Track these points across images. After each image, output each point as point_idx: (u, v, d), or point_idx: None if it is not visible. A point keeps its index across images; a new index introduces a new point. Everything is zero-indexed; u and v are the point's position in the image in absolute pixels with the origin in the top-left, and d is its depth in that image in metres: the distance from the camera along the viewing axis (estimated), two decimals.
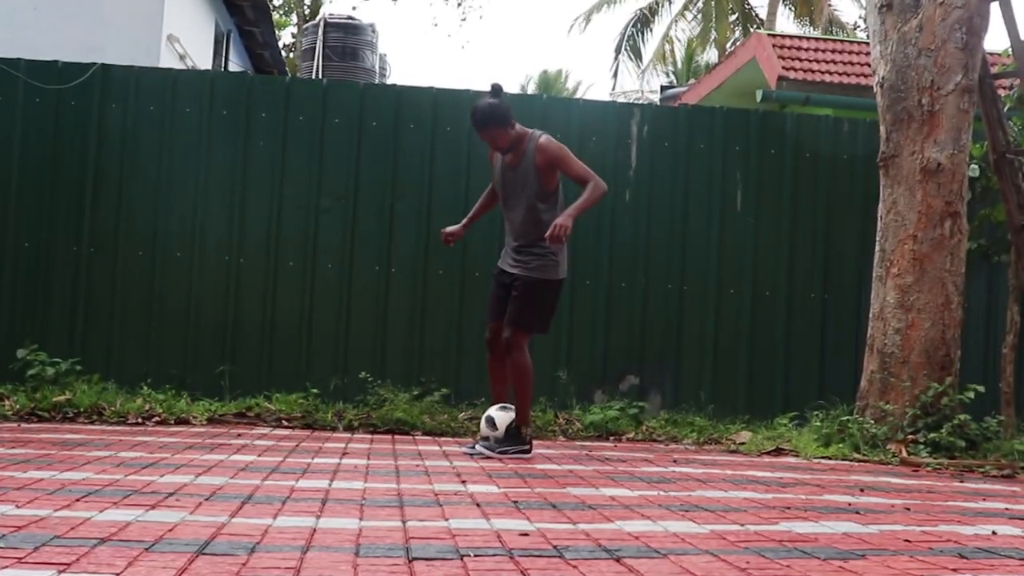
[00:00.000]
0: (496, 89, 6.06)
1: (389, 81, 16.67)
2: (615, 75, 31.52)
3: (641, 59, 31.04)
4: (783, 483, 5.25)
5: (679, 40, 31.76)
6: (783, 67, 13.53)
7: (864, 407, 7.25)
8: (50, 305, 7.99)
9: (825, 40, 15.26)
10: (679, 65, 33.47)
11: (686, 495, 4.58)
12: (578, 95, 39.80)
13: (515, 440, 6.01)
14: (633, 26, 30.70)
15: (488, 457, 5.86)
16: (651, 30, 30.79)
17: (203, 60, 15.24)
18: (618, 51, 31.01)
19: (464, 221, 6.48)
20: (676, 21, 30.73)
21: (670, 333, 8.39)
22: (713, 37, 29.50)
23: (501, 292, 6.15)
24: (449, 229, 6.42)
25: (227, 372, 7.98)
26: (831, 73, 13.67)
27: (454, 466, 5.39)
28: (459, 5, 28.80)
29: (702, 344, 8.40)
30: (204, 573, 2.62)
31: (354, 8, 33.03)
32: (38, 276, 8.01)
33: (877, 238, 7.46)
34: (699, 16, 29.86)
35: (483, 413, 6.31)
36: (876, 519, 4.05)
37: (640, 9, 30.66)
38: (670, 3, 30.54)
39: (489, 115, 5.93)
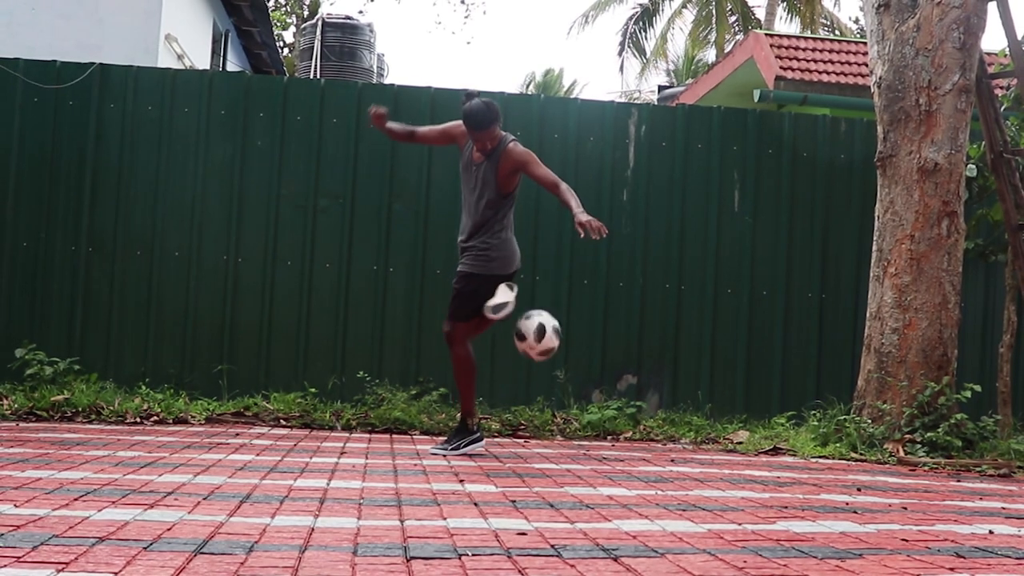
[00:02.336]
0: (472, 94, 6.07)
1: (387, 81, 16.69)
2: (621, 68, 31.52)
3: (645, 56, 31.04)
4: (780, 482, 5.26)
5: (679, 36, 31.77)
6: (781, 67, 13.53)
7: (861, 407, 7.26)
8: (48, 305, 7.99)
9: (823, 40, 15.25)
10: (680, 63, 33.47)
11: (684, 494, 4.58)
12: (575, 94, 39.80)
13: (464, 434, 6.07)
14: (635, 23, 30.68)
15: (444, 456, 5.88)
16: (653, 26, 30.78)
17: (201, 60, 15.25)
18: (622, 49, 31.00)
19: (393, 125, 6.39)
20: (673, 20, 30.72)
21: (668, 333, 8.39)
22: (713, 38, 29.52)
23: None
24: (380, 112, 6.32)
25: (225, 371, 7.99)
26: (829, 73, 13.67)
27: (452, 465, 5.39)
28: (463, 1, 28.57)
29: (700, 344, 8.41)
30: (202, 572, 2.63)
31: (360, 12, 33.03)
32: (36, 276, 8.01)
33: (874, 238, 7.46)
34: (701, 14, 29.87)
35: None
36: (873, 518, 4.06)
37: (640, 4, 30.63)
38: (670, 1, 30.54)
39: (490, 114, 5.94)
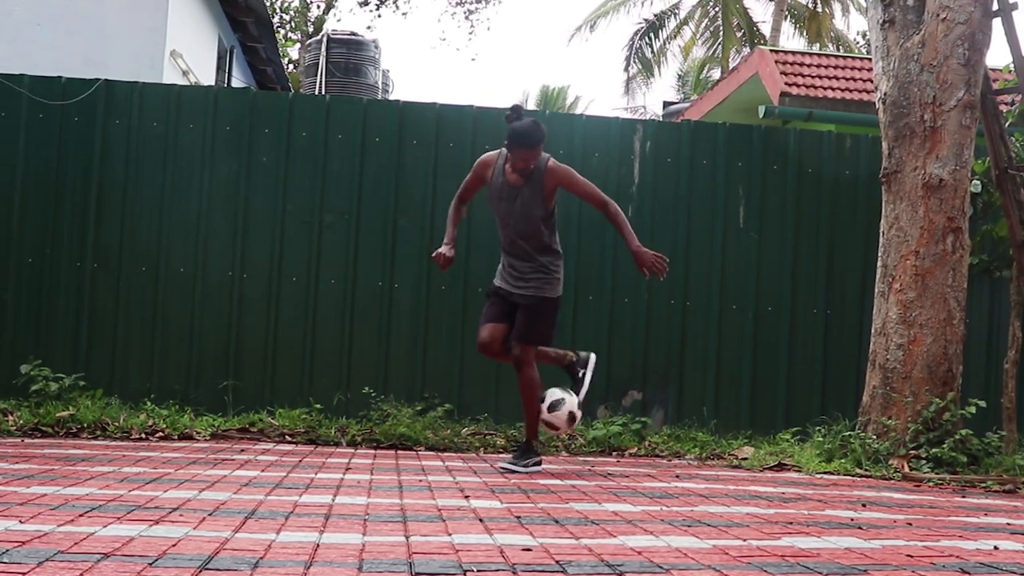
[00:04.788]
0: (518, 109, 6.11)
1: (392, 97, 16.75)
2: (627, 85, 31.56)
3: (651, 72, 31.12)
4: (785, 498, 5.25)
5: (682, 54, 31.89)
6: (786, 83, 13.58)
7: (866, 422, 7.26)
8: (54, 321, 8.01)
9: (827, 56, 15.30)
10: (689, 77, 33.55)
11: (689, 510, 4.58)
12: (579, 110, 39.92)
13: (530, 454, 6.14)
14: (641, 38, 30.77)
15: (515, 472, 5.95)
16: (659, 40, 30.88)
17: (206, 76, 15.30)
18: (628, 64, 31.09)
19: (448, 242, 6.28)
20: (674, 36, 30.82)
21: (673, 349, 8.39)
22: (719, 54, 29.61)
23: (496, 302, 6.22)
24: (443, 252, 6.24)
25: (230, 387, 7.99)
26: (834, 89, 13.71)
27: (457, 481, 5.39)
28: (467, 17, 28.49)
29: (705, 360, 8.40)
30: None
31: (368, 28, 33.16)
32: (42, 292, 8.03)
33: (879, 254, 7.47)
34: (706, 31, 29.97)
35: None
36: (878, 534, 4.05)
37: (645, 19, 30.74)
38: (675, 16, 30.64)
39: (539, 134, 5.96)
